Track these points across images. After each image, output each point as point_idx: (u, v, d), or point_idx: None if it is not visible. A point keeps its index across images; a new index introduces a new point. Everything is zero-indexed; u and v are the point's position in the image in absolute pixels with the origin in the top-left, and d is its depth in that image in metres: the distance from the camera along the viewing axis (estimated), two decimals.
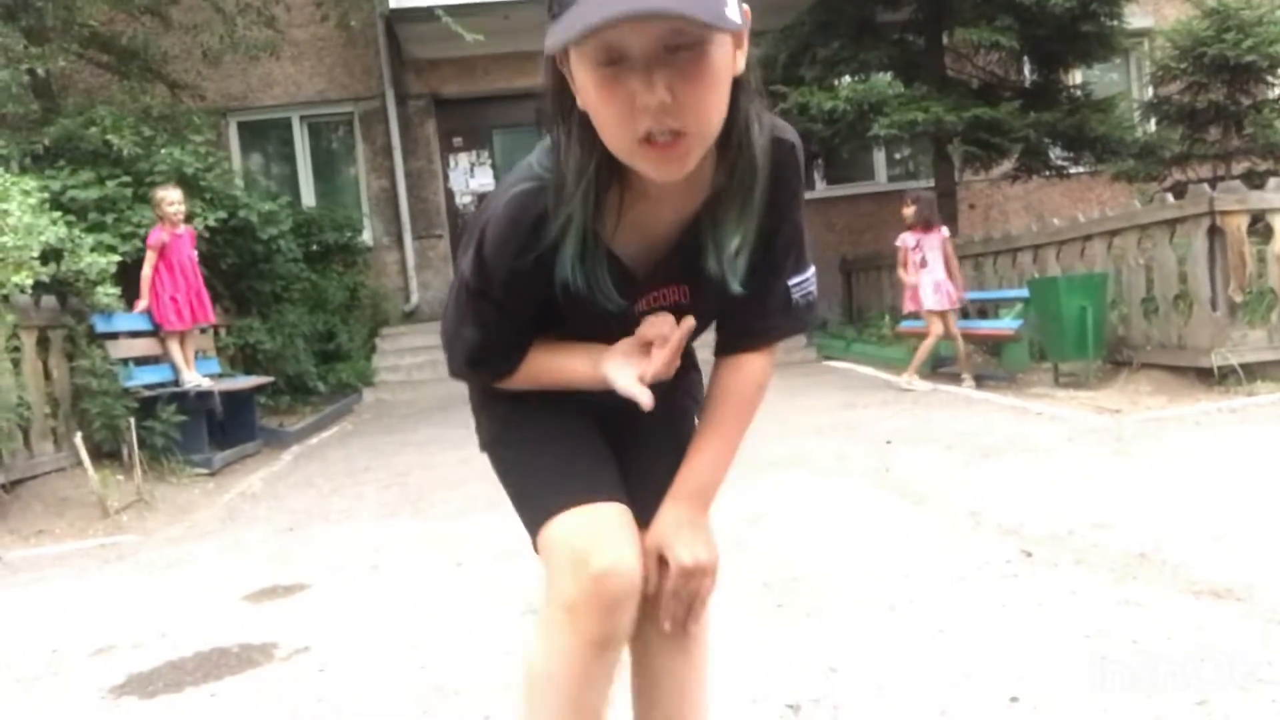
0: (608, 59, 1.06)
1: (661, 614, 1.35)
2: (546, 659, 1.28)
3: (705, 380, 1.49)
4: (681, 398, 1.50)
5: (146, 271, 6.38)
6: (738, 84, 1.19)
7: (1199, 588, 2.49)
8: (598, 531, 1.26)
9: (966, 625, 2.37)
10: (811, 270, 1.39)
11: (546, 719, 1.30)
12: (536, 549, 1.33)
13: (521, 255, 1.21)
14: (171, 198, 6.50)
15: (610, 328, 1.30)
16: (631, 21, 0.99)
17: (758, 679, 2.16)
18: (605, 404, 1.32)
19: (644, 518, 1.34)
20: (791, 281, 1.37)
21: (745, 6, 1.13)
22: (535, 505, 1.33)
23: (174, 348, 6.50)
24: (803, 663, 2.23)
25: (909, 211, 7.07)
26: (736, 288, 1.27)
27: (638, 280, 1.29)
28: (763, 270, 1.31)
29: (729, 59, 1.14)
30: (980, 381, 6.92)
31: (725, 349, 1.43)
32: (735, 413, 1.43)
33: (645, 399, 1.25)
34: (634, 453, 1.42)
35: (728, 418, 1.42)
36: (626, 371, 1.28)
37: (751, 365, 1.44)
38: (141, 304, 6.38)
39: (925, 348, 6.98)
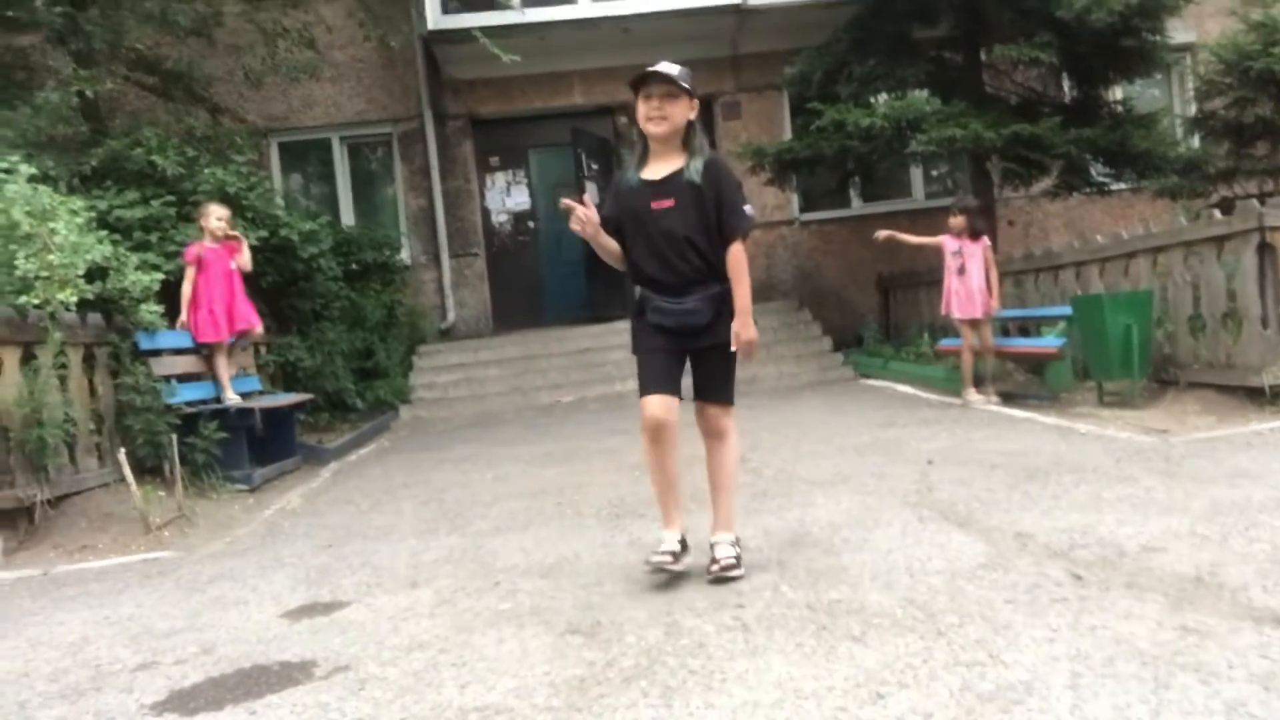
0: (643, 94, 3.15)
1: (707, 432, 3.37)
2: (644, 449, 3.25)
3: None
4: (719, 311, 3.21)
5: (186, 288, 6.47)
6: (691, 124, 3.20)
7: (1259, 614, 2.41)
8: (651, 403, 3.16)
9: (1018, 650, 2.31)
10: (748, 208, 3.20)
11: (650, 473, 3.31)
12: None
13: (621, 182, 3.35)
14: (220, 212, 6.63)
15: (643, 222, 3.20)
16: (654, 74, 3.12)
17: (804, 705, 2.12)
18: (671, 327, 3.20)
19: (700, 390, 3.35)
20: (737, 210, 3.16)
21: (695, 101, 3.19)
22: (640, 386, 3.22)
23: (219, 362, 6.57)
24: (848, 689, 2.18)
25: (956, 222, 7.03)
26: (696, 179, 3.13)
27: (652, 188, 3.19)
28: (723, 207, 3.14)
29: (686, 106, 3.16)
30: (1013, 399, 6.83)
31: (723, 245, 3.17)
32: (738, 272, 3.17)
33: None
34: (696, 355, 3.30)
35: (737, 275, 3.17)
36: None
37: (735, 248, 3.17)
38: (181, 318, 6.46)
39: (966, 362, 6.94)
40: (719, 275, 3.16)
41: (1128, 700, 1.99)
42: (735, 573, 3.10)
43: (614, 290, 11.42)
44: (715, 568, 3.12)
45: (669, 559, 3.14)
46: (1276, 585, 2.60)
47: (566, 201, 3.25)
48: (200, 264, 6.51)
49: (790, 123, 11.64)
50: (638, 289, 3.22)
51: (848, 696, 2.14)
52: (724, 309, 3.15)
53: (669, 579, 3.20)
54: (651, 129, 3.14)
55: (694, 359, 3.27)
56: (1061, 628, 2.43)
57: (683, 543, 3.25)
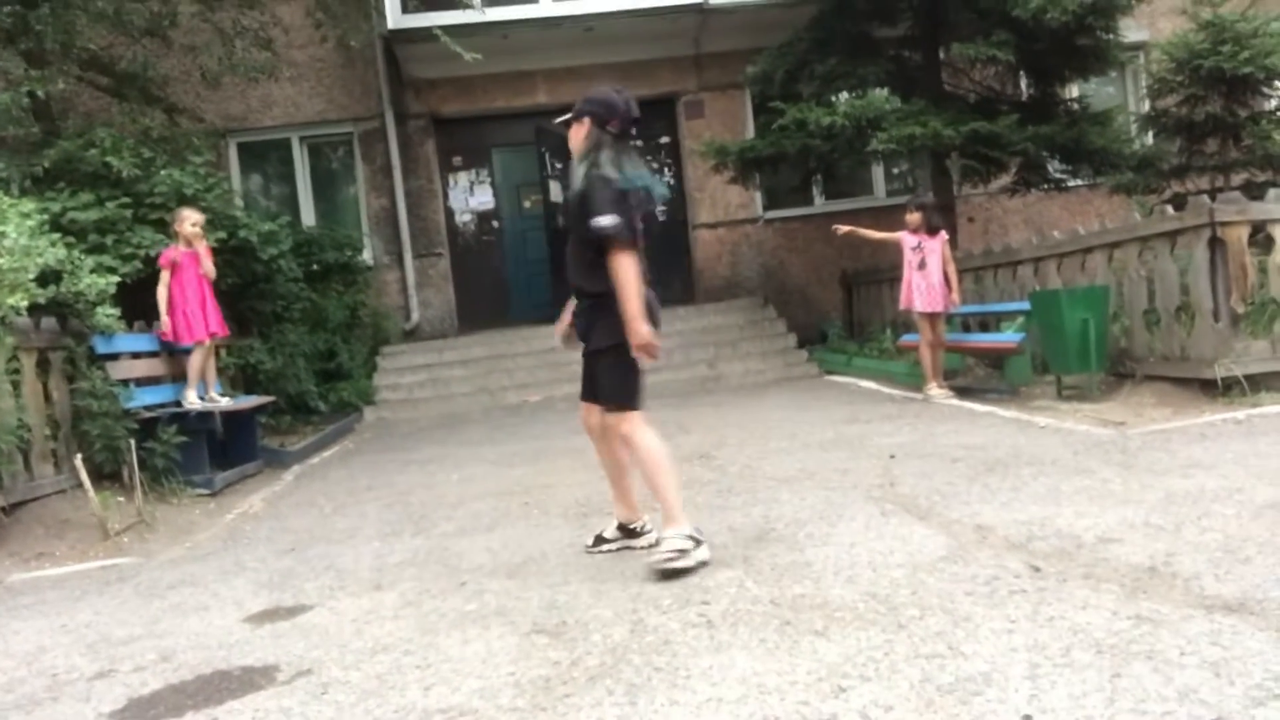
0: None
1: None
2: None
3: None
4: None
5: (162, 292, 6.40)
6: (584, 142, 3.42)
7: (1211, 602, 2.47)
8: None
9: (977, 642, 2.34)
10: (605, 220, 3.20)
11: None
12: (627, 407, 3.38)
13: None
14: (196, 217, 6.62)
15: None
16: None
17: (767, 699, 2.13)
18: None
19: None
20: (590, 219, 3.23)
21: (586, 121, 3.42)
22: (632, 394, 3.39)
23: (195, 362, 6.51)
24: (811, 682, 2.20)
25: (913, 218, 7.14)
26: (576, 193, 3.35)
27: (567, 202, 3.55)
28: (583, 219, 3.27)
29: (582, 129, 3.42)
30: (973, 393, 6.95)
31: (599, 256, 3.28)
32: (616, 281, 3.22)
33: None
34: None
35: (617, 284, 3.22)
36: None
37: (610, 258, 3.23)
38: (162, 323, 6.39)
39: (926, 356, 7.05)
40: (595, 285, 3.31)
41: (1084, 689, 2.03)
42: (673, 565, 3.17)
43: None
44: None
45: (590, 542, 3.67)
46: (1228, 574, 2.66)
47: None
48: (174, 268, 6.46)
49: (753, 121, 11.69)
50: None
51: (810, 690, 2.16)
52: (596, 318, 3.35)
53: (634, 577, 3.21)
54: None
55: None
56: (1020, 619, 2.47)
57: (626, 529, 3.64)
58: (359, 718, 2.29)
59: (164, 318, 6.43)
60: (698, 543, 3.24)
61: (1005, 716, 1.94)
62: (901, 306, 7.32)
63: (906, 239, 7.16)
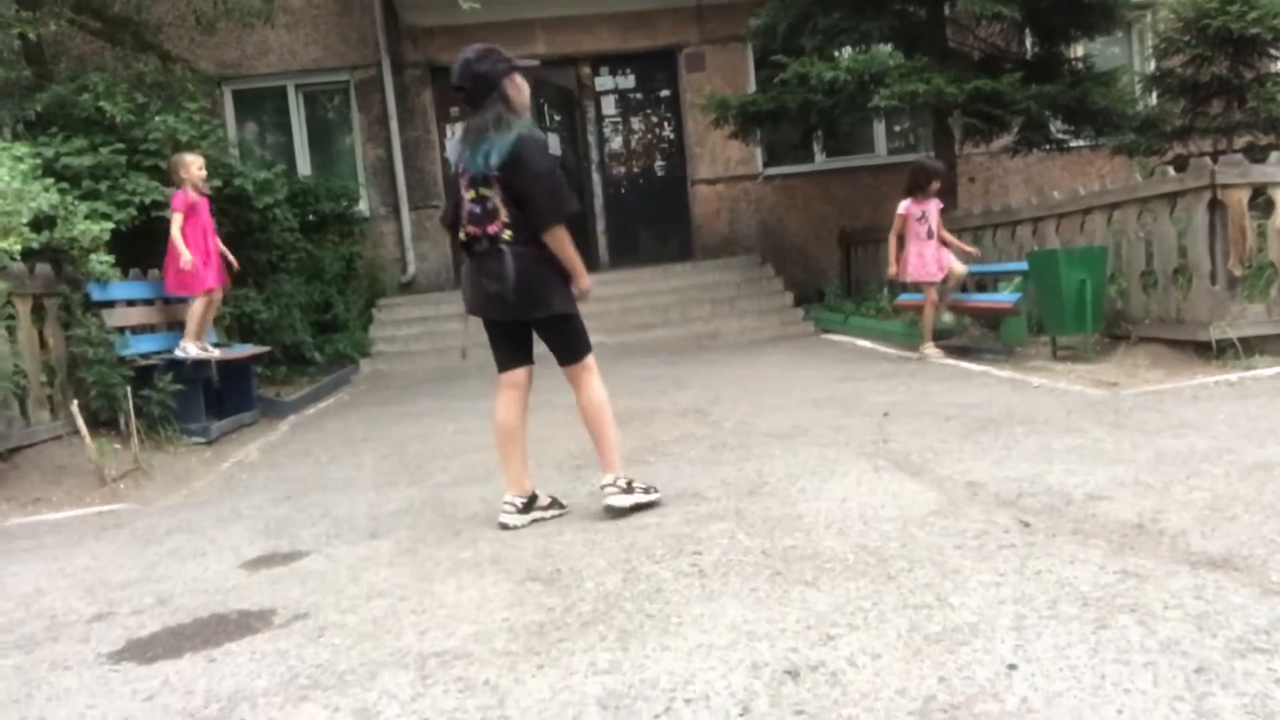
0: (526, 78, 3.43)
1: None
2: (604, 392, 3.54)
3: None
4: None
5: (175, 233, 6.30)
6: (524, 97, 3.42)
7: (1196, 558, 2.50)
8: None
9: (965, 594, 2.37)
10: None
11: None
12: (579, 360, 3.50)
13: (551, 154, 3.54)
14: (200, 161, 6.50)
15: None
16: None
17: (757, 646, 2.17)
18: None
19: None
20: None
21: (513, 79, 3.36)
22: (589, 342, 3.52)
23: (199, 307, 6.46)
24: (800, 631, 2.24)
25: (935, 186, 7.17)
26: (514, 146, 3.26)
27: None
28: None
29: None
30: (968, 353, 6.98)
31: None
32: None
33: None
34: None
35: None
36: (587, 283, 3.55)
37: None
38: (185, 259, 6.24)
39: (928, 317, 7.08)
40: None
41: (1069, 640, 2.06)
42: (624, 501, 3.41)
43: (576, 243, 11.36)
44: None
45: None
46: (1214, 531, 2.69)
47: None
48: (188, 212, 6.37)
49: (755, 75, 11.56)
50: (549, 252, 3.42)
51: (799, 638, 2.19)
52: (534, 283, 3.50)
53: (628, 528, 3.24)
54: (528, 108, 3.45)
55: None
56: (1008, 572, 2.50)
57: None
58: (355, 660, 2.33)
59: (185, 254, 6.24)
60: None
61: (991, 666, 1.97)
62: (909, 278, 7.22)
63: (914, 210, 7.10)
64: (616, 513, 3.38)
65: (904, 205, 7.15)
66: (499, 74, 3.28)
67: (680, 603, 2.49)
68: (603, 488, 3.45)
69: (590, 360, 3.49)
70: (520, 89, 3.33)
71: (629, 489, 3.43)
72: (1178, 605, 2.20)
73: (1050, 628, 2.13)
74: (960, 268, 7.20)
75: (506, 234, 3.28)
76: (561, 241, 3.33)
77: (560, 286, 3.39)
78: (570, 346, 3.48)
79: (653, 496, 3.47)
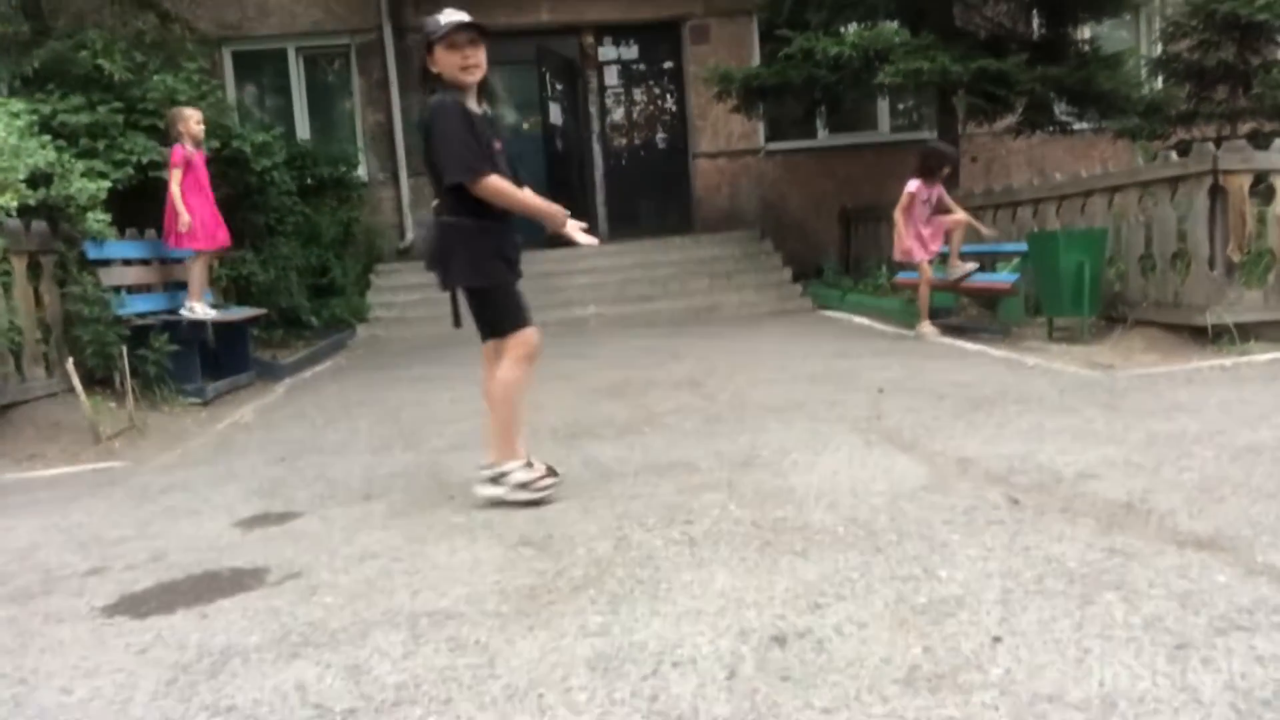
0: (448, 42, 3.14)
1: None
2: (518, 376, 3.30)
3: None
4: None
5: (175, 189, 6.26)
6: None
7: (1183, 538, 2.52)
8: (534, 332, 3.32)
9: (952, 567, 2.39)
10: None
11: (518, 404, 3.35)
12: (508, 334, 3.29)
13: (465, 117, 3.13)
14: (199, 115, 6.44)
15: (496, 162, 3.20)
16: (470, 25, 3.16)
17: (745, 613, 2.19)
18: (516, 262, 3.38)
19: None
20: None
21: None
22: (516, 319, 3.30)
23: (199, 267, 6.44)
24: (788, 599, 2.26)
25: (945, 172, 7.21)
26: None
27: (492, 128, 3.31)
28: None
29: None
30: (965, 332, 7.00)
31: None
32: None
33: (593, 241, 3.66)
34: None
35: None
36: (579, 229, 3.55)
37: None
38: (183, 220, 6.23)
39: (924, 296, 7.08)
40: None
41: (1053, 615, 2.08)
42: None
43: (576, 214, 11.24)
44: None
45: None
46: (1202, 511, 2.72)
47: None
48: (187, 168, 6.32)
49: (759, 49, 11.48)
50: (485, 222, 3.21)
51: (787, 606, 2.21)
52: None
53: (621, 496, 3.26)
54: (471, 78, 3.17)
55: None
56: (996, 547, 2.53)
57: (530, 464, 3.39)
58: (347, 618, 2.35)
59: (184, 214, 6.23)
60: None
61: (976, 638, 1.99)
62: (916, 258, 7.17)
63: (921, 192, 7.08)
64: (483, 500, 3.26)
65: (913, 185, 7.10)
66: (423, 48, 3.19)
67: (670, 569, 2.51)
68: (480, 469, 3.33)
69: (513, 341, 3.27)
70: (442, 59, 3.13)
71: (497, 481, 3.25)
72: (1163, 583, 2.22)
73: (1036, 602, 2.16)
74: (963, 269, 7.18)
75: (438, 204, 3.25)
76: (499, 194, 3.15)
77: (475, 259, 3.20)
78: (486, 322, 3.33)
79: (524, 496, 3.22)
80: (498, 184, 3.15)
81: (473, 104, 3.21)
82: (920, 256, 7.12)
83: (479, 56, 3.17)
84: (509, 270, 3.31)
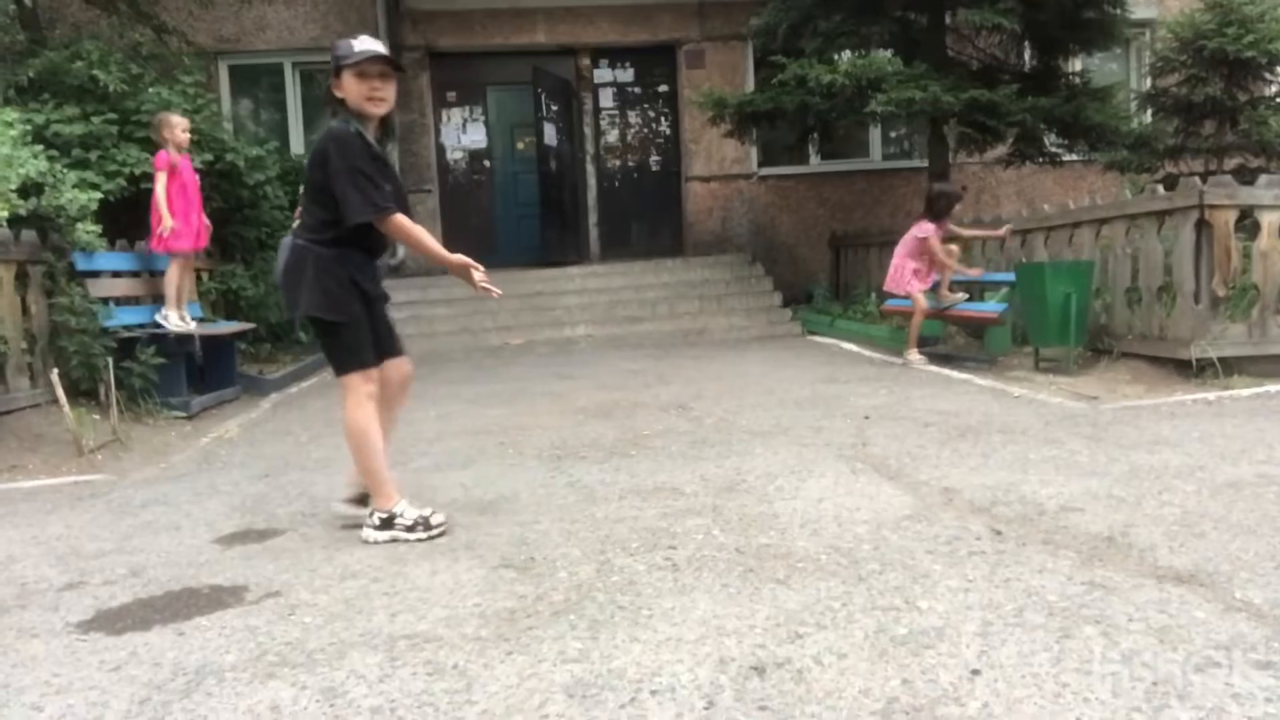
0: (356, 72, 3.07)
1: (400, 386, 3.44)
2: (363, 417, 3.19)
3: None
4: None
5: (160, 192, 6.26)
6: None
7: (1163, 572, 2.53)
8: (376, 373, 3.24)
9: (933, 598, 2.39)
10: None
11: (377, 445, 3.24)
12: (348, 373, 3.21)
13: (366, 150, 3.07)
14: (185, 123, 6.47)
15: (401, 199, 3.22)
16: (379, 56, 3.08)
17: (725, 642, 2.18)
18: (374, 296, 3.29)
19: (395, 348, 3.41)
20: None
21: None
22: (359, 358, 3.20)
23: (174, 273, 6.42)
24: (769, 628, 2.25)
25: (958, 212, 7.40)
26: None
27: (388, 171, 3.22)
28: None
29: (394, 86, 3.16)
30: (952, 361, 7.04)
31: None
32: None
33: (495, 292, 3.31)
34: (384, 321, 3.38)
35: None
36: (478, 273, 3.27)
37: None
38: (166, 224, 6.22)
39: (916, 324, 7.12)
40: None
41: (1033, 648, 2.09)
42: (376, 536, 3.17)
43: (568, 234, 11.37)
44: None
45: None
46: (1182, 546, 2.73)
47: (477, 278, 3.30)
48: (172, 172, 6.33)
49: (754, 74, 11.58)
50: (342, 252, 3.14)
51: (768, 635, 2.21)
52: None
53: (605, 520, 3.25)
54: (376, 110, 3.11)
55: (377, 322, 3.31)
56: (977, 579, 2.53)
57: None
58: (325, 639, 2.33)
59: (167, 218, 6.22)
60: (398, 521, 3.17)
61: (955, 670, 1.99)
62: (913, 291, 7.19)
63: (935, 234, 7.14)
64: (370, 543, 3.14)
65: (928, 229, 7.12)
66: (334, 73, 3.12)
67: (652, 595, 2.50)
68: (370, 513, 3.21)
69: (353, 380, 3.16)
70: (349, 87, 3.06)
71: (388, 524, 3.15)
72: (1142, 618, 2.23)
73: (1015, 635, 2.16)
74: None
75: (297, 225, 3.19)
76: (405, 234, 3.12)
77: (327, 288, 3.09)
78: (330, 357, 3.26)
79: (419, 535, 3.13)
80: (404, 224, 3.11)
81: (371, 137, 3.14)
82: (918, 288, 7.15)
83: (388, 90, 3.11)
84: (363, 302, 3.19)
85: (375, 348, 3.24)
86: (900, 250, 7.30)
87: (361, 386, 3.18)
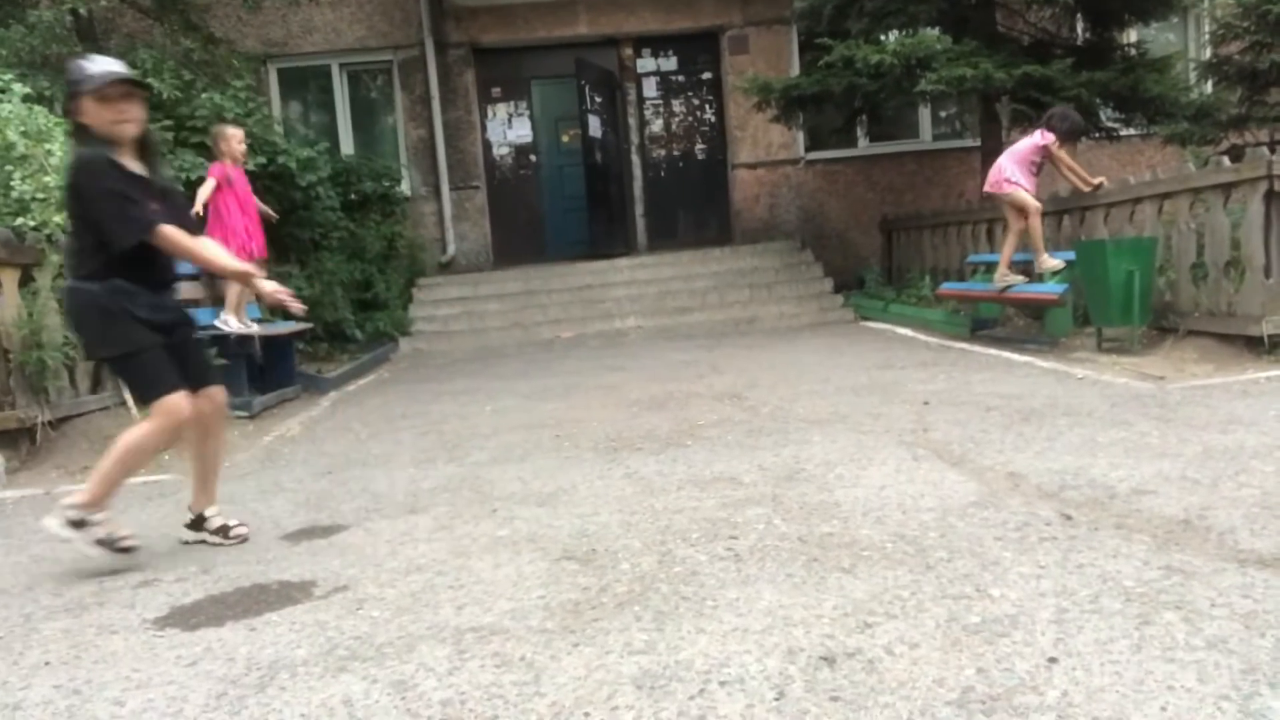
0: (97, 96, 2.93)
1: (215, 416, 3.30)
2: (151, 444, 3.11)
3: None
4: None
5: (202, 192, 6.33)
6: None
7: (1244, 556, 2.45)
8: (181, 401, 3.05)
9: (1005, 585, 2.35)
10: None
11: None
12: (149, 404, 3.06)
13: (116, 172, 2.94)
14: (240, 134, 6.58)
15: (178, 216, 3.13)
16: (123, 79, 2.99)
17: (793, 632, 2.16)
18: (165, 324, 3.12)
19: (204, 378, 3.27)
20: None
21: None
22: (159, 385, 3.04)
23: (235, 284, 6.53)
24: (837, 618, 2.22)
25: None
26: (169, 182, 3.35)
27: (148, 185, 3.04)
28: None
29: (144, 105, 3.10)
30: (1012, 343, 6.89)
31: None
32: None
33: (296, 307, 3.33)
34: (190, 348, 3.25)
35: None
36: (270, 286, 3.29)
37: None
38: (200, 204, 6.27)
39: (1038, 226, 6.98)
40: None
41: (1111, 635, 2.03)
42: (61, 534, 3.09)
43: (615, 226, 11.37)
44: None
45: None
46: (1263, 529, 2.64)
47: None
48: (224, 183, 6.44)
49: (799, 58, 11.45)
50: (110, 284, 3.00)
51: (836, 625, 2.18)
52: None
53: (664, 511, 3.24)
54: (125, 132, 3.00)
55: (181, 350, 3.18)
56: (1049, 565, 2.47)
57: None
58: (393, 633, 2.35)
59: (198, 206, 6.21)
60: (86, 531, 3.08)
61: (1031, 658, 1.95)
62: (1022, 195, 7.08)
63: (1056, 147, 7.05)
64: (51, 535, 3.10)
65: (1052, 139, 6.99)
66: (72, 100, 3.00)
67: (715, 586, 2.49)
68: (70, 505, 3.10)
69: (159, 408, 3.02)
70: (92, 112, 2.94)
71: (79, 526, 3.05)
72: (1225, 603, 2.16)
73: (1092, 622, 2.10)
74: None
75: (66, 268, 3.13)
76: (174, 244, 3.01)
77: (104, 327, 3.02)
78: (133, 391, 3.23)
79: (97, 552, 3.05)
80: (175, 236, 3.01)
81: (129, 161, 3.02)
82: (1028, 187, 6.97)
83: (134, 110, 3.00)
84: (149, 332, 3.05)
85: (182, 378, 3.10)
86: (1006, 157, 7.11)
87: (164, 417, 3.03)
